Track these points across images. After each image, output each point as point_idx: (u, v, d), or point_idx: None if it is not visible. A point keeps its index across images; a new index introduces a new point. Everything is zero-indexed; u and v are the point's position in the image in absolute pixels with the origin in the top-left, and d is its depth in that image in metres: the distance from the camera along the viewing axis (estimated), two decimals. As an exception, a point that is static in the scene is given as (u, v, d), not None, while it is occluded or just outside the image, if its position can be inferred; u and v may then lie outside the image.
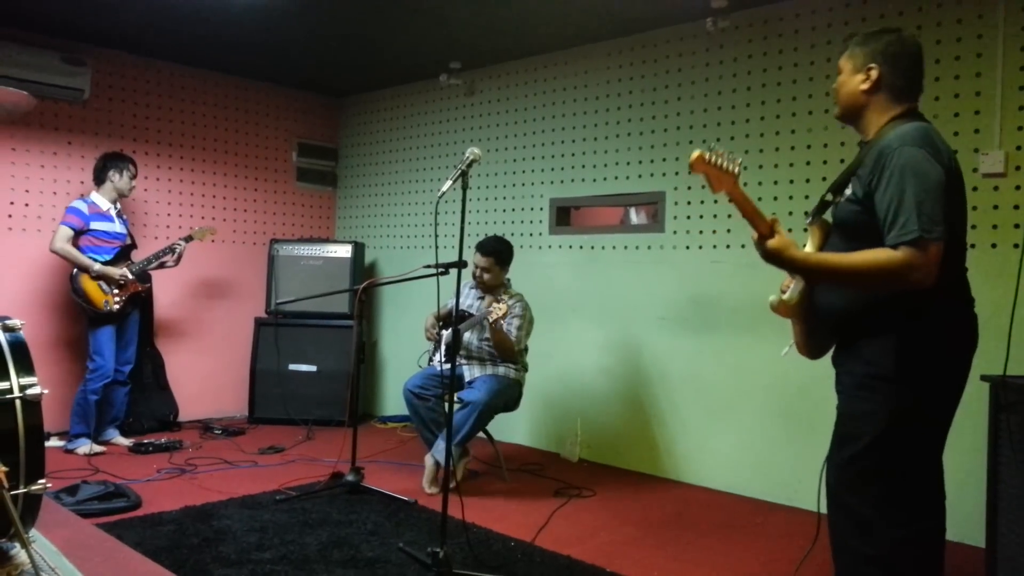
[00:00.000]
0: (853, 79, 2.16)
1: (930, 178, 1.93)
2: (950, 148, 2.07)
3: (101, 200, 4.82)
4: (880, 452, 2.05)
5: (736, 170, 1.97)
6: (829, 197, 2.21)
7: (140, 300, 4.99)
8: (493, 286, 4.37)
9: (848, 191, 2.11)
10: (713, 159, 1.93)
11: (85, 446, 4.69)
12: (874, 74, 2.12)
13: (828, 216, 2.22)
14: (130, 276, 4.78)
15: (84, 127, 5.33)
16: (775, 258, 2.05)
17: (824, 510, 2.20)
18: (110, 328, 4.77)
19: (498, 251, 4.34)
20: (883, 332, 2.05)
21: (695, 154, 1.90)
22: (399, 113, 6.27)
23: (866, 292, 2.07)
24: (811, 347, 2.32)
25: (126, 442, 4.89)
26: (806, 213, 2.30)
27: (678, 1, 4.18)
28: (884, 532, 2.04)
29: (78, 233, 4.69)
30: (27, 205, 5.11)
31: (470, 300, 4.46)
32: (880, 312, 2.06)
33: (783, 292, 2.20)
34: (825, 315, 2.20)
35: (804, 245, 2.21)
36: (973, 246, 3.46)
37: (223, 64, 5.83)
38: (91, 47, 5.28)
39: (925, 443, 2.08)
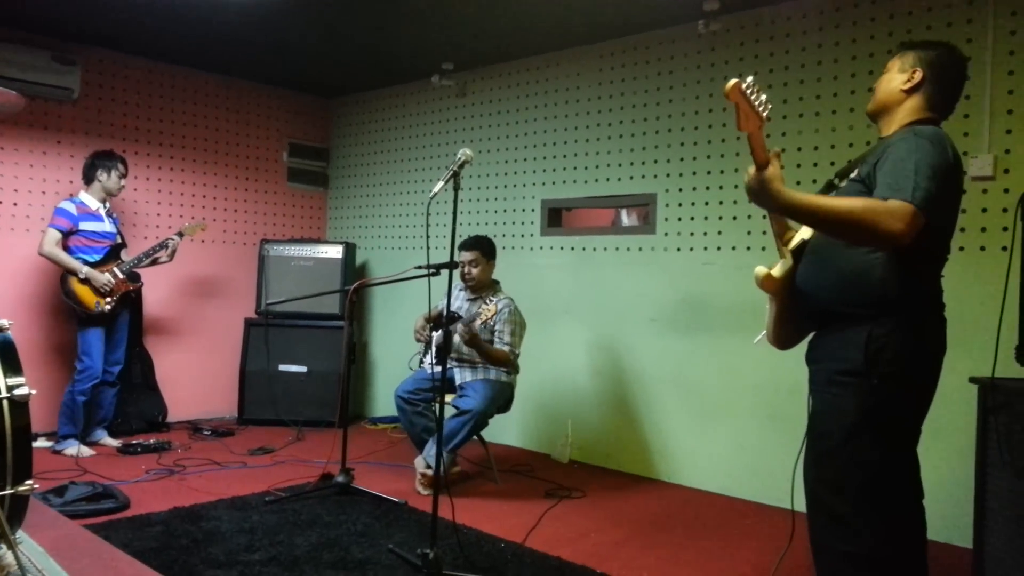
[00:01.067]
0: (896, 77, 2.22)
1: (932, 163, 1.96)
2: (959, 155, 2.09)
3: (90, 200, 4.79)
4: (853, 448, 2.06)
5: (765, 115, 1.95)
6: (836, 181, 2.26)
7: (130, 300, 4.96)
8: (483, 283, 4.37)
9: (853, 174, 2.15)
10: (750, 92, 1.90)
11: (73, 447, 4.66)
12: (917, 77, 2.18)
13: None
14: (120, 276, 4.75)
15: (74, 126, 5.30)
16: (764, 187, 2.00)
17: (800, 508, 2.21)
18: (99, 329, 4.75)
19: (480, 243, 4.35)
20: (854, 326, 2.07)
21: (732, 81, 1.86)
22: (391, 114, 6.26)
23: (845, 238, 2.06)
24: (781, 337, 2.35)
25: (114, 443, 4.86)
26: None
27: (670, 4, 4.19)
28: (861, 528, 2.05)
29: (67, 234, 4.67)
30: (15, 205, 5.07)
31: (459, 302, 4.46)
32: (853, 306, 2.08)
33: (771, 267, 2.24)
34: (805, 297, 2.22)
35: (800, 229, 2.25)
36: (962, 249, 3.49)
37: (214, 63, 5.81)
38: (81, 46, 5.26)
39: (897, 439, 2.10)
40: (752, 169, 2.04)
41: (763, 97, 1.94)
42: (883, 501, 2.05)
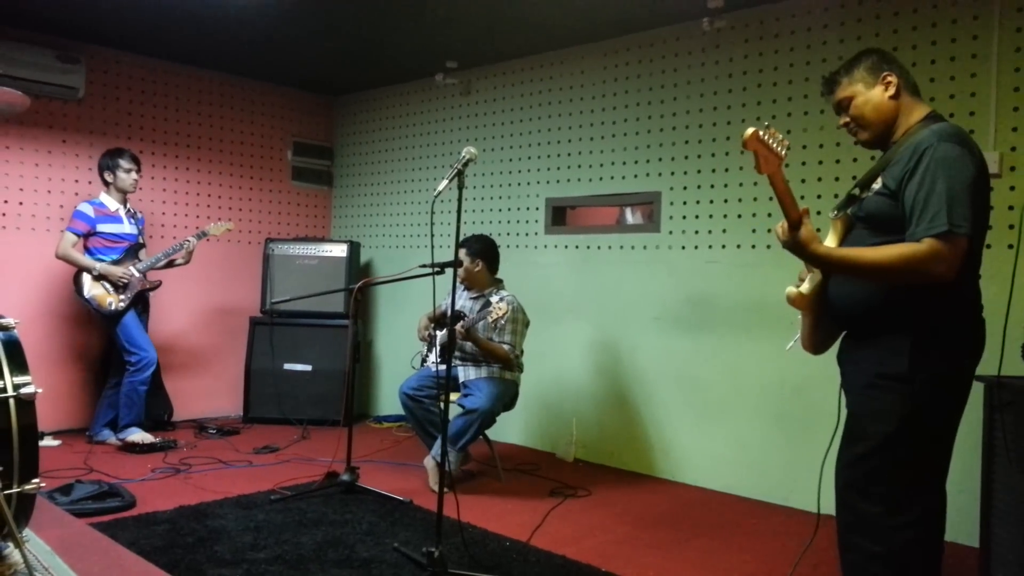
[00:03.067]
0: (874, 93, 2.20)
1: (964, 175, 1.96)
2: (980, 148, 2.09)
3: (110, 201, 4.84)
4: (891, 452, 2.06)
5: (784, 153, 1.97)
6: (856, 192, 2.24)
7: (145, 299, 4.99)
8: (474, 281, 4.36)
9: (878, 185, 2.13)
10: (767, 138, 1.93)
11: (137, 435, 4.76)
12: (892, 79, 2.17)
13: (851, 211, 2.23)
14: (136, 274, 4.79)
15: (79, 125, 5.31)
16: (799, 249, 2.07)
17: (824, 510, 2.21)
18: (133, 319, 4.79)
19: (466, 242, 4.33)
20: (896, 331, 2.06)
21: (750, 131, 1.90)
22: (395, 112, 6.26)
23: (889, 285, 2.07)
24: (815, 342, 2.34)
25: (118, 442, 4.87)
26: (834, 209, 2.31)
27: (674, 1, 4.18)
28: (891, 530, 2.05)
29: (86, 235, 4.73)
30: (21, 204, 5.09)
31: (462, 300, 4.46)
32: (894, 310, 2.07)
33: (799, 283, 2.23)
34: (838, 310, 2.21)
35: (825, 238, 2.23)
36: (968, 247, 3.47)
37: (218, 62, 5.82)
38: (85, 45, 5.26)
39: (934, 443, 2.10)
40: (785, 225, 2.08)
41: (779, 136, 1.96)
42: (914, 504, 2.06)
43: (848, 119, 2.27)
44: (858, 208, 2.20)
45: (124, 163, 4.82)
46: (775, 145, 1.95)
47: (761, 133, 1.91)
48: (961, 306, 2.08)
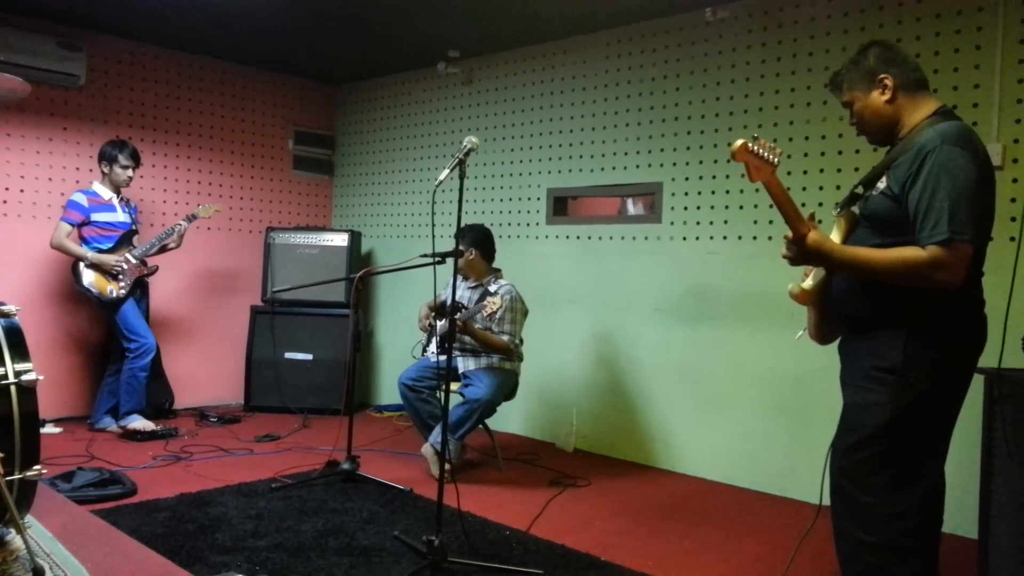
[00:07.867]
0: (870, 98, 2.19)
1: (966, 180, 1.96)
2: (985, 149, 2.08)
3: (103, 190, 4.84)
4: (883, 443, 2.07)
5: (776, 160, 1.97)
6: (859, 190, 2.24)
7: (144, 285, 5.00)
8: (466, 268, 4.36)
9: (882, 185, 2.12)
10: (756, 148, 1.93)
11: (138, 422, 4.78)
12: (889, 81, 2.15)
13: (856, 209, 2.23)
14: (133, 261, 4.80)
15: (79, 113, 5.30)
16: (814, 252, 2.06)
17: (826, 500, 2.22)
18: (131, 306, 4.81)
19: (461, 232, 4.31)
20: (893, 326, 2.07)
21: (738, 143, 1.90)
22: (397, 101, 6.24)
23: (894, 286, 2.06)
24: (823, 333, 2.36)
25: (119, 430, 4.88)
26: (836, 204, 2.31)
27: (677, -9, 4.17)
28: (884, 520, 2.06)
29: (80, 225, 4.73)
30: (22, 191, 5.08)
31: (461, 290, 4.45)
32: (891, 306, 2.07)
33: (804, 278, 2.23)
34: (836, 304, 2.22)
35: (829, 235, 2.23)
36: (970, 239, 3.47)
37: (220, 51, 5.80)
38: (87, 32, 5.25)
39: (928, 436, 2.10)
40: (789, 237, 2.06)
41: (770, 145, 1.96)
42: (908, 495, 2.06)
43: (853, 121, 2.29)
44: (863, 206, 2.19)
45: (123, 159, 4.80)
46: (766, 154, 1.95)
47: (750, 144, 1.92)
48: (959, 303, 2.08)
